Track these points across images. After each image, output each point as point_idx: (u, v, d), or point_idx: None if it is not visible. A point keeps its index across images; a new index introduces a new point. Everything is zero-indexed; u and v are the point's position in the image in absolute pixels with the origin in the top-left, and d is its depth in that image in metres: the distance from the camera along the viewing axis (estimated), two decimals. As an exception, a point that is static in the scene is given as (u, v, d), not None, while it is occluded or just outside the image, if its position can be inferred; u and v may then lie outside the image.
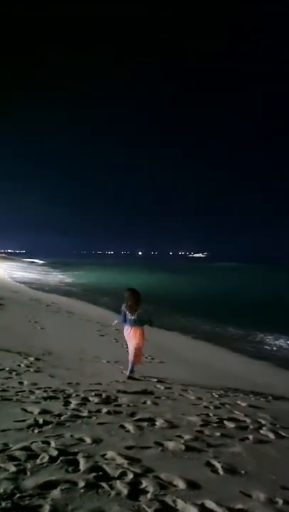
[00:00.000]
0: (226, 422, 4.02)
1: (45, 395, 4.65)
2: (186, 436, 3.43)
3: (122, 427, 3.59)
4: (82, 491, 2.29)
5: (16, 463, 2.60)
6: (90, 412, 4.02)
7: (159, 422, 3.81)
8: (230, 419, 4.11)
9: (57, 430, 3.34)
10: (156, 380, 6.44)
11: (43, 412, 3.85)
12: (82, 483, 2.36)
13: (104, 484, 2.39)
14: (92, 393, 4.88)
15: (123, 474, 2.55)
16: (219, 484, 2.55)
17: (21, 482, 2.34)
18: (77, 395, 4.73)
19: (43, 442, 3.00)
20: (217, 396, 5.55)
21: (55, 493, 2.24)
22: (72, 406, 4.21)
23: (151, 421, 3.85)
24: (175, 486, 2.48)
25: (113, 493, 2.30)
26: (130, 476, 2.53)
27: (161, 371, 7.48)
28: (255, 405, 5.07)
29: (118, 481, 2.44)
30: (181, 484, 2.48)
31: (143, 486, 2.43)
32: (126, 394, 5.08)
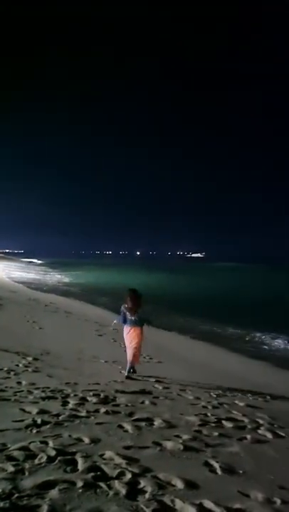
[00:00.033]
0: (224, 421, 4.03)
1: (43, 395, 4.64)
2: (185, 436, 3.43)
3: (120, 426, 3.59)
4: (80, 490, 2.29)
5: (14, 463, 2.60)
6: (88, 412, 4.02)
7: (157, 422, 3.82)
8: (228, 419, 4.11)
9: (55, 430, 3.34)
10: (154, 379, 6.44)
11: (41, 412, 3.85)
12: (80, 483, 2.36)
13: (102, 484, 2.39)
14: (91, 393, 4.88)
15: (121, 474, 2.55)
16: (217, 484, 2.55)
17: (19, 482, 2.34)
18: (75, 395, 4.73)
19: (41, 442, 3.00)
20: (215, 396, 5.56)
21: (54, 493, 2.24)
22: (70, 406, 4.21)
23: (150, 421, 3.85)
24: (173, 485, 2.48)
25: (111, 493, 2.30)
26: (128, 475, 2.54)
27: (160, 371, 7.48)
28: (253, 405, 5.08)
29: (116, 481, 2.44)
30: (180, 484, 2.49)
31: (141, 485, 2.43)
32: (124, 394, 5.08)
